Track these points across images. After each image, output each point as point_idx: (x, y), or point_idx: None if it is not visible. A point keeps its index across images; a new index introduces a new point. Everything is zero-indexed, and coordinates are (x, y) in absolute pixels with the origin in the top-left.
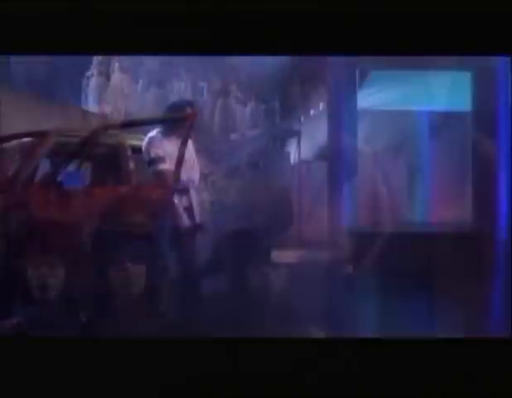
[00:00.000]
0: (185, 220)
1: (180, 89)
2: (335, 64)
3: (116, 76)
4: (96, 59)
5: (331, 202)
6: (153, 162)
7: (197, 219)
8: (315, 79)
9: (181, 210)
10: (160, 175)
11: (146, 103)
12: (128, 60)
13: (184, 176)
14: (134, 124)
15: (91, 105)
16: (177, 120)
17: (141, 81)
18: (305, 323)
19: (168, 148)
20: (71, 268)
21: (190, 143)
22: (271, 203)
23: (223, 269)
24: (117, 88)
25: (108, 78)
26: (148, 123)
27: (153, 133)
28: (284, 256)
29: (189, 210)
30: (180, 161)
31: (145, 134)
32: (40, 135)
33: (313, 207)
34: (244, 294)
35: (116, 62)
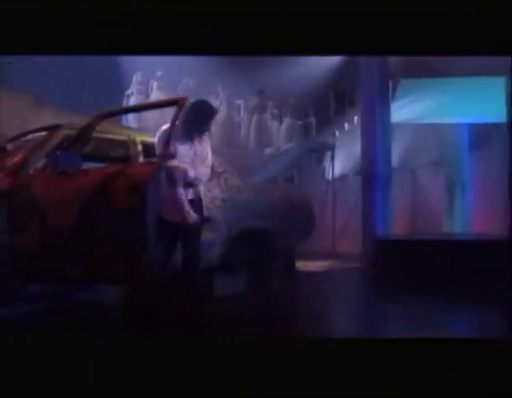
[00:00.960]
0: (192, 213)
1: (216, 105)
2: (367, 75)
3: (154, 95)
4: (135, 78)
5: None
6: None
7: (205, 212)
8: (349, 91)
9: (186, 202)
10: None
11: None
12: (165, 78)
13: (192, 170)
14: (127, 111)
15: (131, 122)
16: (168, 105)
17: None
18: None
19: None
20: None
21: (206, 138)
22: (290, 206)
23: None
24: None
25: (147, 96)
26: (139, 109)
27: (167, 126)
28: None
29: (196, 203)
30: (167, 142)
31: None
32: (53, 128)
33: (348, 219)
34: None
35: (154, 81)
